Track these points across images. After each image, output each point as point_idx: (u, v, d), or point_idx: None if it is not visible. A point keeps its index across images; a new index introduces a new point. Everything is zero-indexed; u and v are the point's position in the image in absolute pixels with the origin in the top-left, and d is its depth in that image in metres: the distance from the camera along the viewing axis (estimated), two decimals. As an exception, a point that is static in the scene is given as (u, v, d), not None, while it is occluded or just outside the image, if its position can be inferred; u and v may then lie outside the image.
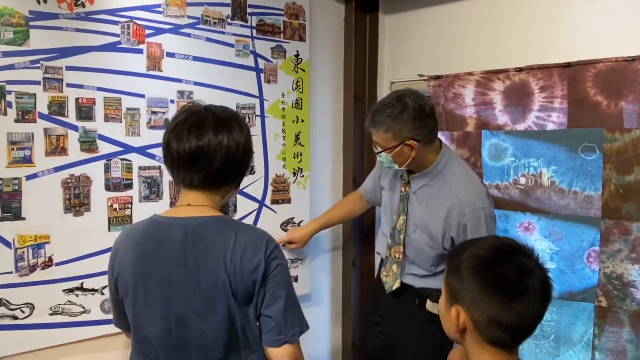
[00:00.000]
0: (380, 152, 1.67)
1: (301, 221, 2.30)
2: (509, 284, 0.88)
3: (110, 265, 1.21)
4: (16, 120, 1.61)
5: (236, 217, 2.10)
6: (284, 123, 2.21)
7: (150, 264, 1.12)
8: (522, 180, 1.89)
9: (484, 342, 0.89)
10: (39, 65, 1.64)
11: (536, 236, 1.86)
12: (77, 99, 1.71)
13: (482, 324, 0.88)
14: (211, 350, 1.11)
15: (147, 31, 1.84)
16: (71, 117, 1.71)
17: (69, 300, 1.74)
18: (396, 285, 1.81)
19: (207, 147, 1.10)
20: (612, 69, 1.63)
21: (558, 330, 1.84)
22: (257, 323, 1.16)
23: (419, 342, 1.79)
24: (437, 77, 2.08)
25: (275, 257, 1.13)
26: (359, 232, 2.48)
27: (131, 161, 1.84)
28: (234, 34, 2.04)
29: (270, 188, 2.20)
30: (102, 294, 1.80)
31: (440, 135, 2.08)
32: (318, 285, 2.47)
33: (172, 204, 1.93)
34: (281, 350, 1.12)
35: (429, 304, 1.74)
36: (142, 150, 1.86)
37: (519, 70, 1.84)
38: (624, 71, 1.61)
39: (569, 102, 1.75)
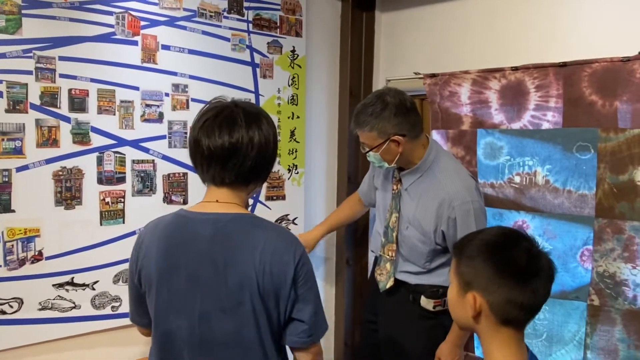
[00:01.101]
0: (368, 152, 1.69)
1: (295, 218, 2.29)
2: (522, 266, 0.95)
3: (133, 258, 1.17)
4: (7, 111, 1.58)
5: (230, 213, 2.08)
6: (279, 119, 2.20)
7: (177, 259, 1.10)
8: (517, 179, 1.90)
9: (498, 324, 0.96)
10: (31, 54, 1.61)
11: (530, 235, 1.87)
12: (69, 90, 1.69)
13: (499, 305, 0.95)
14: (234, 348, 1.09)
15: (143, 23, 1.82)
16: (63, 109, 1.68)
17: (59, 295, 1.71)
18: (390, 283, 1.81)
19: (241, 144, 1.08)
20: (608, 69, 1.65)
21: (550, 329, 1.85)
22: (278, 325, 1.13)
23: (413, 337, 1.79)
24: (433, 75, 2.08)
25: (306, 261, 1.13)
26: (353, 231, 2.47)
27: (124, 154, 1.81)
28: (230, 28, 2.03)
29: (265, 184, 2.18)
30: (93, 289, 1.78)
31: (435, 133, 2.10)
32: (317, 280, 2.45)
33: (165, 199, 1.92)
34: (310, 350, 1.16)
35: (424, 300, 1.75)
36: (135, 144, 1.84)
37: (515, 69, 1.85)
38: (619, 71, 1.62)
39: (564, 101, 1.76)
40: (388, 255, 1.82)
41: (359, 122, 1.65)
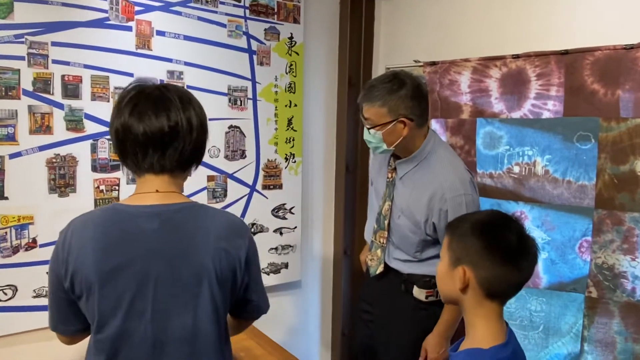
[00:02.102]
0: (371, 128, 1.64)
1: (292, 207, 2.28)
2: (512, 245, 1.03)
3: (59, 262, 1.02)
4: (-1, 97, 1.57)
5: (226, 202, 2.07)
6: (276, 107, 2.18)
7: (120, 257, 1.00)
8: (516, 169, 1.87)
9: (483, 297, 1.04)
10: (23, 40, 1.59)
11: (528, 226, 1.85)
12: (63, 76, 1.67)
13: (487, 279, 1.03)
14: (194, 342, 1.05)
15: (137, 8, 1.79)
16: (57, 95, 1.67)
17: (53, 283, 1.71)
18: (380, 269, 1.80)
19: (180, 127, 1.01)
20: (610, 57, 1.61)
21: (547, 321, 1.84)
22: (226, 311, 1.12)
23: (406, 327, 1.78)
24: (433, 64, 2.05)
25: (253, 242, 1.13)
26: (351, 220, 2.46)
27: (119, 142, 1.80)
28: (227, 14, 2.00)
29: (261, 173, 2.17)
30: (88, 277, 1.77)
31: (434, 122, 2.07)
32: (309, 273, 2.45)
33: (160, 187, 1.90)
34: (251, 320, 1.24)
35: (416, 290, 1.73)
36: (130, 131, 1.82)
37: (516, 57, 1.82)
38: (621, 59, 1.59)
39: (565, 90, 1.73)
40: (379, 241, 1.81)
41: (372, 96, 1.59)
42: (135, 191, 1.06)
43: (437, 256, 1.73)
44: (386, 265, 1.80)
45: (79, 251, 1.00)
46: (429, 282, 1.73)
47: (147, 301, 1.01)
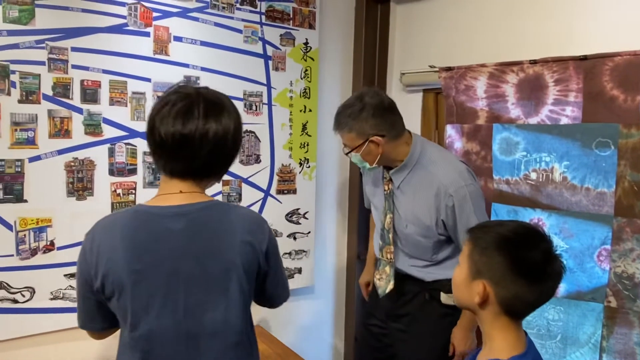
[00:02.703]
0: (349, 153, 1.69)
1: (306, 212, 2.28)
2: (539, 268, 0.98)
3: (89, 264, 1.04)
4: (20, 101, 1.59)
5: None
6: (291, 112, 2.18)
7: (150, 257, 1.03)
8: (533, 176, 1.85)
9: (501, 313, 1.01)
10: (44, 45, 1.61)
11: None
12: (82, 81, 1.69)
13: (507, 298, 0.99)
14: (225, 335, 1.09)
15: (155, 14, 1.81)
16: (76, 100, 1.69)
17: (70, 285, 1.72)
18: (389, 287, 1.79)
19: (192, 136, 1.02)
20: (630, 62, 1.59)
21: (565, 331, 1.81)
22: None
23: (435, 337, 1.78)
24: (449, 69, 2.04)
25: (273, 235, 1.18)
26: (365, 225, 2.45)
27: (136, 146, 1.82)
28: (243, 20, 2.01)
29: (275, 178, 2.18)
30: (104, 279, 1.79)
31: (450, 128, 2.06)
32: (322, 278, 2.45)
33: (176, 191, 1.91)
34: (269, 307, 1.28)
35: (444, 297, 1.74)
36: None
37: (534, 62, 1.80)
38: (642, 65, 1.56)
39: (584, 95, 1.71)
40: (386, 257, 1.81)
41: (339, 123, 1.66)
42: (158, 192, 1.09)
43: (452, 256, 1.74)
44: (400, 278, 1.79)
45: (109, 253, 1.03)
46: None
47: (179, 298, 1.05)
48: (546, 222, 1.83)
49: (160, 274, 1.04)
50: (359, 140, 1.64)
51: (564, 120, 1.76)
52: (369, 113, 1.61)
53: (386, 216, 1.77)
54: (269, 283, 1.18)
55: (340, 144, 2.40)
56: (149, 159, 1.85)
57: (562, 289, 1.80)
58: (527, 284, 0.97)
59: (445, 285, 1.72)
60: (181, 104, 1.03)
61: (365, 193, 1.98)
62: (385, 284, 1.80)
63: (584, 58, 1.68)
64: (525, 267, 0.98)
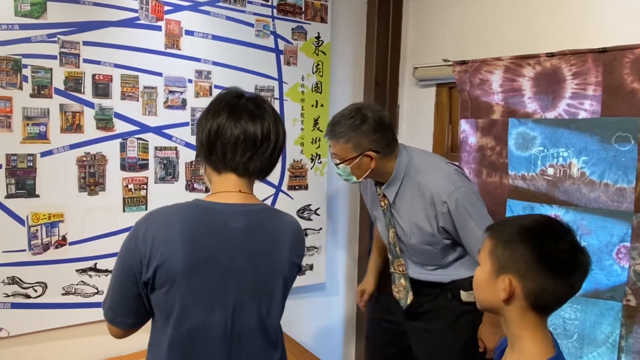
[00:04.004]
0: (339, 164, 1.66)
1: (318, 208, 2.26)
2: (565, 259, 0.95)
3: (138, 254, 1.03)
4: (32, 95, 1.59)
5: (252, 202, 2.07)
6: (302, 107, 2.16)
7: (207, 252, 1.05)
8: (550, 171, 1.81)
9: (528, 309, 0.97)
10: (55, 39, 1.61)
11: (563, 230, 1.79)
12: (93, 76, 1.69)
13: (534, 292, 0.95)
14: (265, 333, 1.12)
15: (166, 8, 1.80)
16: (87, 94, 1.68)
17: (82, 281, 1.72)
18: (409, 299, 1.78)
19: (271, 135, 1.08)
20: (652, 54, 1.55)
21: (582, 330, 1.77)
22: None
23: (458, 335, 1.77)
24: (463, 63, 2.00)
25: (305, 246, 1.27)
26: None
27: (147, 141, 1.81)
28: (254, 14, 1.99)
29: (287, 173, 2.16)
30: (115, 275, 1.78)
31: (464, 123, 2.03)
32: (333, 275, 2.43)
33: (187, 187, 1.90)
34: None
35: (464, 295, 1.73)
36: (158, 130, 1.83)
37: (551, 55, 1.76)
38: (665, 57, 1.52)
39: (603, 89, 1.66)
40: (399, 270, 1.80)
41: (335, 132, 1.61)
42: (215, 189, 1.11)
43: (464, 255, 1.73)
44: (418, 284, 1.78)
45: (165, 244, 1.02)
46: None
47: (230, 295, 1.07)
48: (563, 218, 1.79)
49: (215, 270, 1.05)
50: (353, 153, 1.60)
51: (583, 115, 1.72)
52: (370, 127, 1.58)
53: (389, 231, 1.77)
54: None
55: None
56: (160, 154, 1.84)
57: (579, 286, 1.77)
58: (554, 276, 0.94)
59: (464, 283, 1.72)
60: (252, 106, 1.08)
61: (368, 208, 1.96)
62: (405, 296, 1.80)
63: (603, 50, 1.64)
64: (552, 258, 0.94)
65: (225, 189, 1.09)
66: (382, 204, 1.76)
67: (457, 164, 1.78)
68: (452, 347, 1.78)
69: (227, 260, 1.06)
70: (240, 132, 1.05)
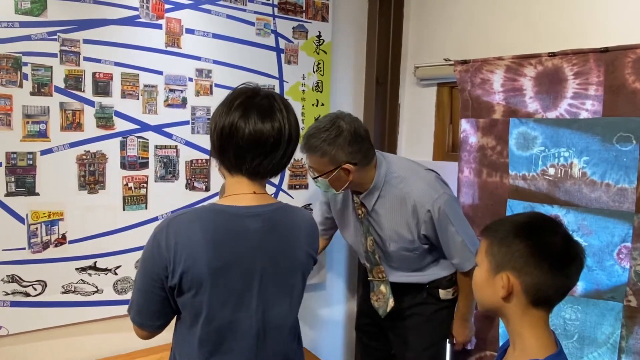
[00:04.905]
0: (316, 178, 1.64)
1: (318, 208, 2.25)
2: (560, 251, 0.96)
3: (162, 261, 1.05)
4: (32, 93, 1.58)
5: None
6: (303, 106, 2.15)
7: (229, 255, 1.07)
8: (551, 171, 1.81)
9: (528, 305, 0.97)
10: (56, 37, 1.60)
11: (564, 230, 1.79)
12: (94, 74, 1.68)
13: (533, 286, 0.96)
14: (287, 327, 1.17)
15: (167, 6, 1.79)
16: (88, 92, 1.68)
17: (81, 279, 1.72)
18: (390, 306, 1.80)
19: (282, 136, 1.06)
20: (654, 54, 1.54)
21: (582, 330, 1.76)
22: None
23: (432, 329, 1.85)
24: (464, 62, 2.00)
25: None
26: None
27: (148, 140, 1.80)
28: (255, 12, 1.99)
29: (287, 173, 2.15)
30: (115, 274, 1.78)
31: (465, 122, 2.02)
32: (333, 274, 2.42)
33: (187, 185, 1.90)
34: None
35: (442, 293, 1.80)
36: (159, 129, 1.82)
37: (552, 55, 1.75)
38: (667, 57, 1.51)
39: (605, 89, 1.66)
40: (379, 277, 1.81)
41: (310, 146, 1.59)
42: (228, 192, 1.12)
43: (441, 257, 1.78)
44: (397, 287, 1.81)
45: (188, 250, 1.04)
46: (450, 280, 1.80)
47: (253, 294, 1.10)
48: (564, 219, 1.79)
49: (239, 271, 1.08)
50: (330, 167, 1.58)
51: (584, 115, 1.71)
52: (346, 140, 1.55)
53: (367, 239, 1.77)
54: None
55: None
56: (161, 152, 1.83)
57: (579, 287, 1.76)
58: (550, 268, 0.95)
59: (442, 282, 1.79)
60: (265, 105, 1.06)
61: (324, 214, 1.96)
62: (384, 304, 1.81)
63: (605, 50, 1.63)
64: (548, 251, 0.96)
65: (240, 191, 1.11)
66: (359, 212, 1.75)
67: (434, 170, 1.79)
68: (426, 339, 1.84)
69: (249, 261, 1.09)
70: (251, 134, 1.04)
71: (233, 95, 1.09)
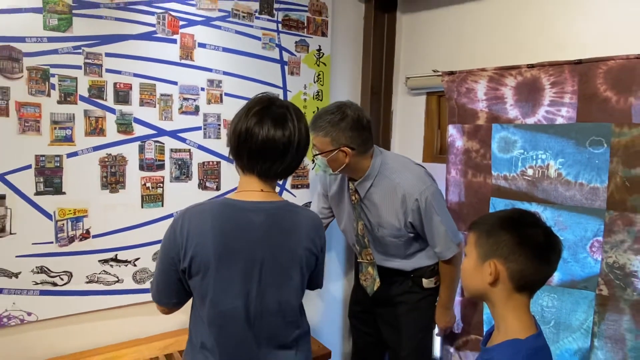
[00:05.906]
0: (317, 155, 1.66)
1: (318, 205, 2.26)
2: (541, 241, 0.99)
3: (176, 246, 1.10)
4: (59, 102, 1.59)
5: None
6: (305, 113, 2.15)
7: (234, 244, 1.09)
8: (530, 172, 1.81)
9: (513, 290, 0.99)
10: (80, 51, 1.61)
11: (542, 225, 1.80)
12: (115, 84, 1.69)
13: (517, 272, 0.98)
14: (283, 314, 1.17)
15: (181, 22, 1.80)
16: (109, 101, 1.69)
17: (104, 270, 1.73)
18: (376, 286, 1.81)
19: (292, 143, 1.08)
20: (623, 66, 1.54)
21: (558, 317, 1.77)
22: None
23: (418, 318, 1.85)
24: (451, 73, 2.00)
25: (325, 239, 1.26)
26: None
27: (164, 144, 1.81)
28: (261, 28, 2.00)
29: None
30: (135, 265, 1.79)
31: (451, 128, 2.03)
32: (332, 273, 2.42)
33: (200, 185, 1.91)
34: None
35: (425, 282, 1.80)
36: (174, 134, 1.83)
37: (531, 66, 1.76)
38: (635, 68, 1.52)
39: (578, 97, 1.66)
40: (367, 259, 1.82)
41: (316, 125, 1.62)
42: (240, 188, 1.15)
43: (423, 248, 1.79)
44: (383, 271, 1.82)
45: (198, 237, 1.08)
46: (432, 270, 1.80)
47: (254, 282, 1.11)
48: (542, 215, 1.79)
49: (241, 259, 1.09)
50: (330, 147, 1.61)
51: (560, 120, 1.72)
52: (348, 125, 1.58)
53: (358, 223, 1.78)
54: (315, 275, 1.27)
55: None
56: (175, 155, 1.84)
57: (556, 277, 1.77)
58: (534, 256, 0.97)
59: (425, 271, 1.80)
60: (279, 114, 1.08)
61: (321, 202, 1.96)
62: (371, 284, 1.82)
63: (579, 62, 1.64)
64: (532, 241, 0.98)
65: (249, 188, 1.13)
66: (353, 198, 1.76)
67: (423, 165, 1.81)
68: (412, 326, 1.85)
69: (251, 251, 1.10)
70: (264, 140, 1.06)
71: (252, 103, 1.12)
